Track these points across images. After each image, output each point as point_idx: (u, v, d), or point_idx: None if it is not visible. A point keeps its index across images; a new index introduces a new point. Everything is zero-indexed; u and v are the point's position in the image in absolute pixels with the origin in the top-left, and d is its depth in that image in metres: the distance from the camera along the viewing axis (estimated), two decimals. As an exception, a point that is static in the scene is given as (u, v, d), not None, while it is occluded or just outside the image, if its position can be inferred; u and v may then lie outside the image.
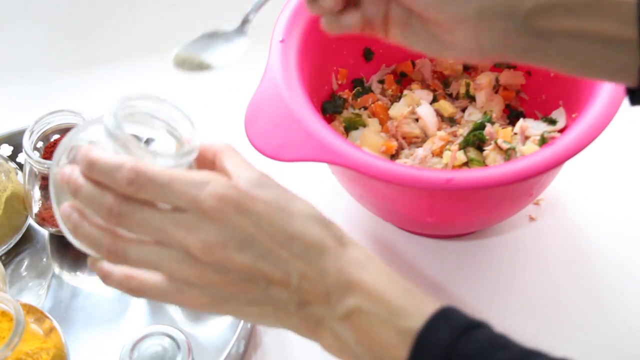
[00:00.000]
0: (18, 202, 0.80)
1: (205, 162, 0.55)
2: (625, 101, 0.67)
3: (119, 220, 0.50)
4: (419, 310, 0.48)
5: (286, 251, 0.49)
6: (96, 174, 0.50)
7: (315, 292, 0.50)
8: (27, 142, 0.77)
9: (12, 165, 0.83)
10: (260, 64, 0.74)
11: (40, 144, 0.80)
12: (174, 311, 0.77)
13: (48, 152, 0.80)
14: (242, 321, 0.71)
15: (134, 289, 0.51)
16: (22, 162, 0.87)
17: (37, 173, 0.77)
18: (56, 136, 0.81)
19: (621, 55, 0.52)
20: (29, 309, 0.70)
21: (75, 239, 0.52)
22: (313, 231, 0.50)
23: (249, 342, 0.75)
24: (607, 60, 0.53)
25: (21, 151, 0.86)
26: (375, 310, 0.49)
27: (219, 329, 0.75)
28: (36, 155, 0.78)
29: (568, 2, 0.52)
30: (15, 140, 0.86)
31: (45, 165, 0.75)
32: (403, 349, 0.47)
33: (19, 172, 0.83)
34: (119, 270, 0.51)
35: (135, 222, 0.50)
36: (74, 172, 0.51)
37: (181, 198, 0.49)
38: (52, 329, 0.70)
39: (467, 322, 0.48)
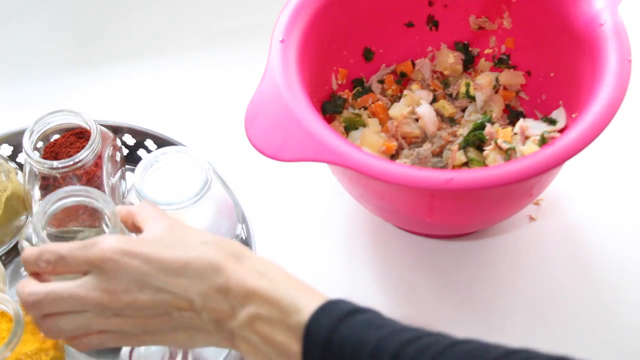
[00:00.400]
0: (18, 202, 0.80)
1: (129, 227, 0.63)
2: (626, 101, 0.68)
3: (40, 307, 0.57)
4: (308, 305, 0.53)
5: (183, 278, 0.55)
6: (29, 267, 0.59)
7: (221, 309, 0.55)
8: (27, 142, 0.77)
9: (12, 165, 0.83)
10: (260, 64, 0.74)
11: (40, 144, 0.80)
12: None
13: (48, 152, 0.80)
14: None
15: (82, 347, 0.59)
16: (22, 162, 0.87)
17: (37, 173, 0.77)
18: (56, 136, 0.80)
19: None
20: (29, 309, 0.70)
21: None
22: (207, 254, 0.56)
23: (249, 342, 0.75)
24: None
25: (21, 151, 0.86)
26: (270, 313, 0.54)
27: (219, 329, 0.76)
28: (36, 155, 0.78)
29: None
30: (15, 140, 0.86)
31: (46, 165, 0.75)
32: (296, 342, 0.53)
33: (19, 172, 0.83)
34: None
35: (50, 302, 0.57)
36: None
37: (79, 263, 0.57)
38: (51, 329, 0.70)
39: (349, 309, 0.53)
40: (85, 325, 0.57)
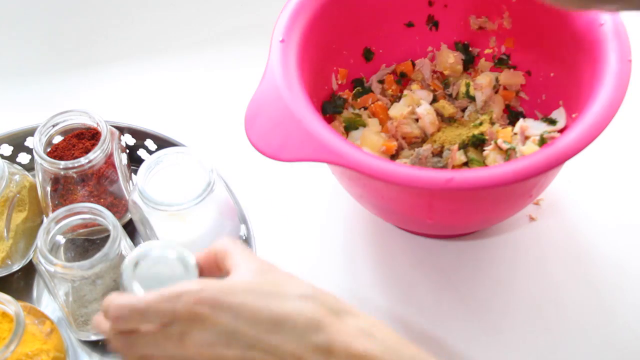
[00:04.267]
0: (36, 197, 0.80)
1: (212, 268, 0.58)
2: (626, 101, 0.68)
3: (127, 354, 0.54)
4: None
5: (276, 336, 0.51)
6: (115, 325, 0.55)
7: None
8: (37, 144, 0.76)
9: (16, 167, 0.82)
10: (260, 64, 0.74)
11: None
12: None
13: (52, 156, 0.78)
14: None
15: None
16: (22, 162, 0.87)
17: (47, 177, 0.77)
18: (58, 138, 0.80)
19: None
20: (30, 310, 0.70)
21: None
22: (305, 310, 0.51)
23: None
24: None
25: (21, 152, 0.86)
26: None
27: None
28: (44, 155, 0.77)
29: None
30: (15, 141, 0.86)
31: (60, 166, 0.75)
32: None
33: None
34: None
35: (136, 350, 0.53)
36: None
37: (162, 316, 0.52)
38: (52, 330, 0.70)
39: None
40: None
